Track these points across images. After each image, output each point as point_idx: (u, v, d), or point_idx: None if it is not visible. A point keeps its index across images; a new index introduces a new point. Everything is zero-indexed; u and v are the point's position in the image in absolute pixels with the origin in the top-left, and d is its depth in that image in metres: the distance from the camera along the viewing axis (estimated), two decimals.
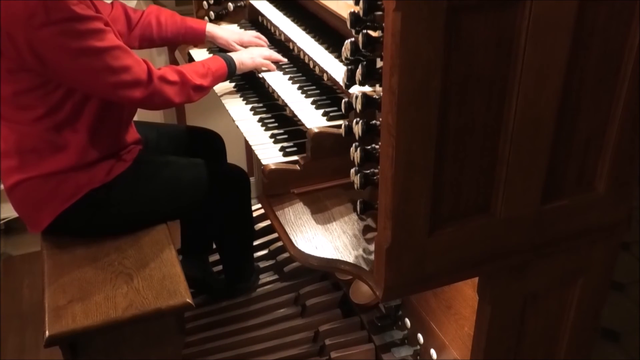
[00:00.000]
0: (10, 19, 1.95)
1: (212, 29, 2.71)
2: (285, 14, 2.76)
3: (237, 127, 2.31)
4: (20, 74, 2.07)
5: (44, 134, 2.16)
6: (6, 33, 1.97)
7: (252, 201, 2.73)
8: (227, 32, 2.74)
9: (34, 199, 2.24)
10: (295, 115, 2.20)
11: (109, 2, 2.54)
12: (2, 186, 2.38)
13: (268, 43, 2.73)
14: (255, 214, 3.23)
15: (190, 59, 2.82)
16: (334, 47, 2.35)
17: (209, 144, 2.88)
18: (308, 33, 2.54)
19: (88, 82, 2.08)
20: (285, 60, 2.58)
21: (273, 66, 2.54)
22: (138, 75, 2.12)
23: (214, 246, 3.03)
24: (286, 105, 2.29)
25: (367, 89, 1.71)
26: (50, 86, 2.09)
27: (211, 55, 2.64)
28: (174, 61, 3.36)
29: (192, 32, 2.68)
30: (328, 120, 2.10)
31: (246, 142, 2.26)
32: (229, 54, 2.54)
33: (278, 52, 2.62)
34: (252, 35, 2.73)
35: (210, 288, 2.95)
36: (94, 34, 2.01)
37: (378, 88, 1.64)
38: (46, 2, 1.91)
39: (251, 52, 2.57)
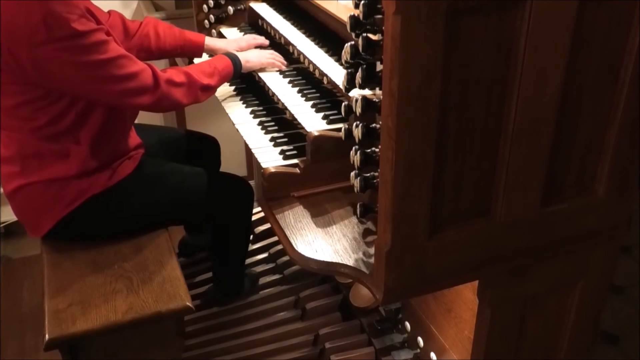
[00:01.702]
0: (11, 37, 1.95)
1: (210, 41, 2.71)
2: (285, 17, 2.76)
3: (237, 130, 2.31)
4: (21, 87, 2.06)
5: (46, 142, 2.15)
6: (7, 50, 1.97)
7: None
8: (224, 42, 2.74)
9: (34, 204, 2.24)
10: (295, 119, 2.21)
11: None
12: (1, 190, 2.38)
13: (264, 39, 2.75)
14: (255, 217, 3.23)
15: (190, 60, 2.82)
16: (333, 50, 2.36)
17: (207, 150, 2.89)
18: (308, 36, 2.54)
19: (95, 92, 2.08)
20: (286, 65, 2.59)
21: (279, 64, 2.56)
22: (144, 81, 2.13)
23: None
24: (286, 108, 2.29)
25: (367, 92, 1.71)
26: (51, 98, 2.08)
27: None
28: (173, 62, 3.37)
29: (191, 44, 2.67)
30: (328, 123, 2.10)
31: (246, 145, 2.26)
32: (235, 52, 2.56)
33: None
34: (248, 39, 2.73)
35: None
36: (96, 47, 2.01)
37: (378, 91, 1.64)
38: (47, 21, 1.90)
39: (257, 51, 2.61)
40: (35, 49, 1.94)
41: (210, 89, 2.35)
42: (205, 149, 2.88)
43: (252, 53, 2.57)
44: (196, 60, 2.74)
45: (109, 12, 2.53)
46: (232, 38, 2.84)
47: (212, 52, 2.72)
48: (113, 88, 2.07)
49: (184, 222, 2.75)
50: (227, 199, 2.52)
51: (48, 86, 2.06)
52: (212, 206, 2.48)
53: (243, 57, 2.51)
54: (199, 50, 2.70)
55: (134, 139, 2.39)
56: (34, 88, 2.06)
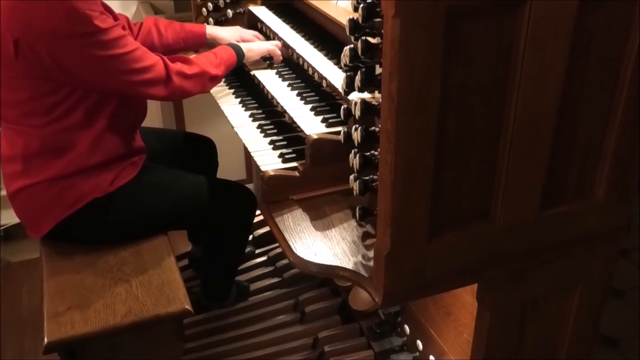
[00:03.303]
0: (32, 32, 1.98)
1: (212, 30, 2.73)
2: (284, 21, 2.76)
3: (236, 133, 2.31)
4: (35, 81, 2.09)
5: (53, 137, 2.17)
6: (27, 45, 2.00)
7: None
8: (228, 31, 2.76)
9: (36, 204, 2.24)
10: (294, 122, 2.20)
11: None
12: (2, 192, 2.38)
13: (263, 38, 2.77)
14: (254, 221, 3.23)
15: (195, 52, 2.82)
16: (333, 53, 2.36)
17: (205, 150, 2.90)
18: (307, 40, 2.54)
19: (113, 84, 2.15)
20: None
21: (279, 53, 2.61)
22: (159, 73, 2.20)
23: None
24: (285, 111, 2.29)
25: (366, 95, 1.71)
26: (62, 93, 2.11)
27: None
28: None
29: (193, 35, 2.70)
30: (327, 126, 2.10)
31: (245, 148, 2.26)
32: (237, 43, 2.60)
33: None
34: (252, 33, 2.76)
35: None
36: (116, 42, 2.07)
37: (377, 94, 1.64)
38: (70, 17, 1.96)
39: (257, 42, 2.66)
40: (57, 44, 1.99)
41: (217, 79, 2.44)
42: (203, 149, 2.88)
43: (254, 43, 2.63)
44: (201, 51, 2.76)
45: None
46: (237, 28, 2.84)
47: (214, 41, 2.72)
48: (130, 79, 2.14)
49: (184, 228, 2.75)
50: (228, 207, 2.51)
51: (66, 80, 2.09)
52: (214, 213, 2.47)
53: (245, 46, 2.57)
54: (201, 39, 2.72)
55: (138, 142, 2.40)
56: (48, 82, 2.09)
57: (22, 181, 2.22)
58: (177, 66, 2.26)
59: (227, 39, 2.70)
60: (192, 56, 2.40)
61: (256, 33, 2.77)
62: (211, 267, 2.80)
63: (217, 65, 2.40)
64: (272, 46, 2.61)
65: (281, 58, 2.62)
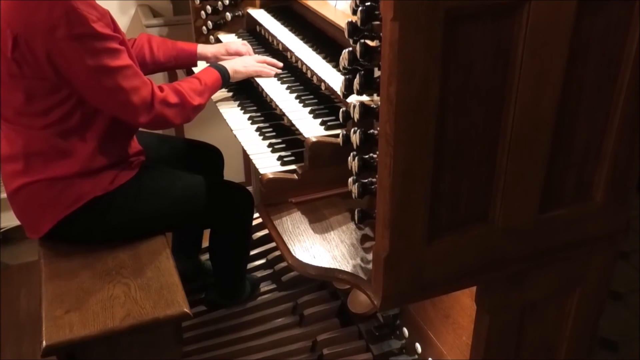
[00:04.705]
0: (31, 29, 2.01)
1: (201, 48, 2.73)
2: (283, 24, 2.77)
3: (235, 136, 2.31)
4: (34, 82, 2.10)
5: (52, 139, 2.18)
6: (25, 42, 2.02)
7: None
8: (214, 47, 2.76)
9: (36, 203, 2.25)
10: (293, 125, 2.20)
11: None
12: (1, 194, 2.38)
13: (251, 47, 2.75)
14: (253, 223, 3.23)
15: (188, 71, 2.82)
16: (332, 56, 2.36)
17: (209, 159, 2.89)
18: (306, 42, 2.55)
19: (98, 97, 2.13)
20: (281, 64, 2.59)
21: (268, 72, 2.55)
22: (144, 98, 2.16)
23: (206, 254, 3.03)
24: (284, 114, 2.29)
25: (365, 98, 1.71)
26: (62, 95, 2.12)
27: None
28: (173, 74, 3.38)
29: (185, 54, 2.69)
30: (326, 129, 2.10)
31: (244, 151, 2.26)
32: (222, 62, 2.56)
33: None
34: (241, 43, 2.76)
35: (201, 282, 3.04)
36: (109, 53, 2.07)
37: (376, 97, 1.64)
38: (69, 16, 1.97)
39: (244, 60, 2.60)
40: (53, 42, 2.01)
41: (200, 108, 2.38)
42: (207, 158, 2.88)
43: (239, 62, 2.57)
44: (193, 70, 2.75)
45: None
46: (223, 44, 2.84)
47: (204, 59, 2.73)
48: (115, 97, 2.12)
49: (183, 226, 2.76)
50: (225, 205, 2.52)
51: (59, 82, 2.09)
52: (211, 213, 2.48)
53: (231, 67, 2.52)
54: (192, 58, 2.71)
55: (136, 145, 2.41)
56: (43, 82, 2.10)
57: (22, 179, 2.22)
58: (162, 94, 2.23)
59: (214, 54, 2.70)
60: (177, 82, 2.38)
61: (243, 42, 2.78)
62: (219, 268, 2.81)
63: (201, 92, 2.36)
64: (259, 67, 2.55)
65: (272, 74, 2.56)
